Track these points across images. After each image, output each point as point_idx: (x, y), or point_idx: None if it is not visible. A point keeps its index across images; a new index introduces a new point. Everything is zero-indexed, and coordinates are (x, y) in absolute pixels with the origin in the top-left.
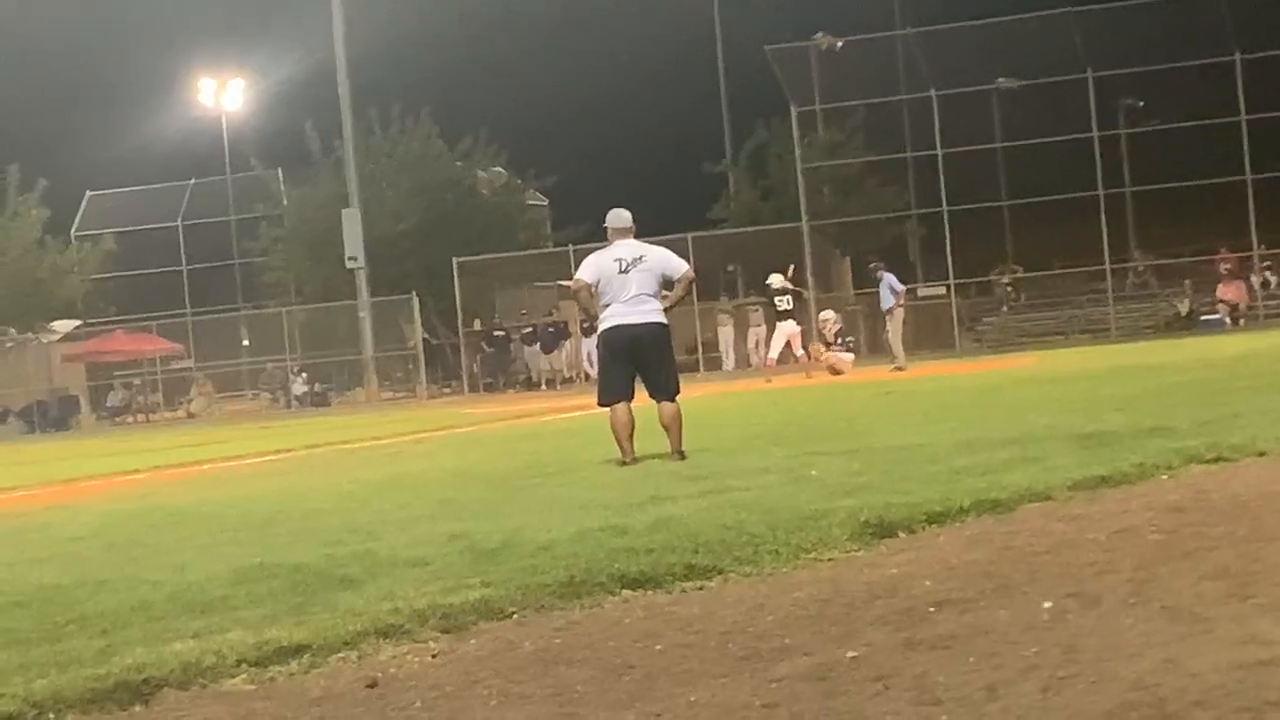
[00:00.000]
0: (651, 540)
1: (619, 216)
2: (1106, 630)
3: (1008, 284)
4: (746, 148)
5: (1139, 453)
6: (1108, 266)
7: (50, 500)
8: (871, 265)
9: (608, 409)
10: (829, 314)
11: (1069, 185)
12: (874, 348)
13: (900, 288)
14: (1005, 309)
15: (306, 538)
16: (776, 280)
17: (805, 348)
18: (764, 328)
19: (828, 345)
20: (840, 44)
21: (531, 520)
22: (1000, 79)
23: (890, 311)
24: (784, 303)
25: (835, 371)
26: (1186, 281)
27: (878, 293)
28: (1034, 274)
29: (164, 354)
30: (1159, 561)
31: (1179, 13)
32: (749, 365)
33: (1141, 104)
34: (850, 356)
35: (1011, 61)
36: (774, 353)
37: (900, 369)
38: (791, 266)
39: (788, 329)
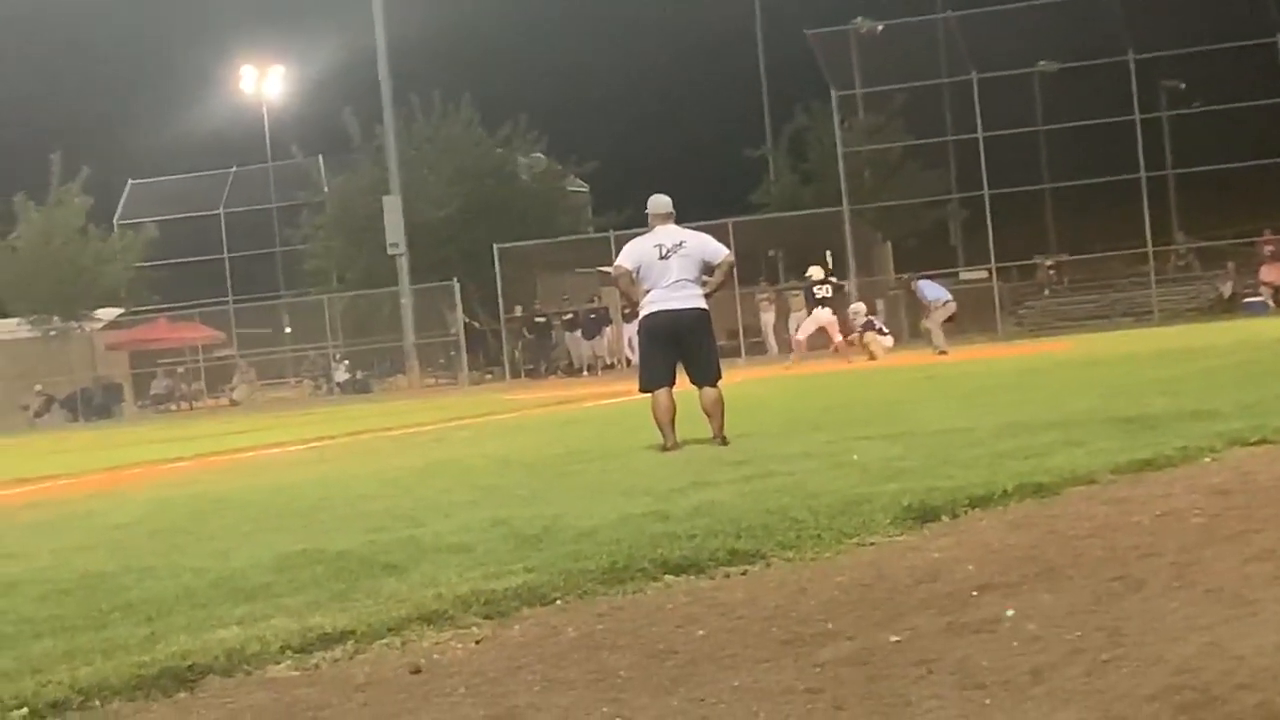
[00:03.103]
0: (694, 525)
1: (659, 202)
2: (1150, 614)
3: (1050, 267)
4: (787, 132)
5: (1182, 436)
6: (1150, 249)
7: (94, 488)
8: (906, 278)
9: (649, 395)
10: (859, 306)
11: (1111, 168)
12: (915, 333)
13: (945, 294)
14: (1047, 292)
15: (349, 524)
16: (816, 273)
17: (844, 335)
18: (804, 312)
19: (859, 337)
20: (880, 27)
21: (574, 506)
22: (1041, 61)
23: (936, 304)
24: (823, 291)
25: (871, 356)
26: (1229, 264)
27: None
28: (1076, 257)
29: (206, 342)
30: (1203, 544)
31: None
32: (791, 350)
33: (1183, 86)
34: (889, 341)
35: (1052, 44)
36: (803, 334)
37: (943, 353)
38: (829, 253)
39: (824, 316)
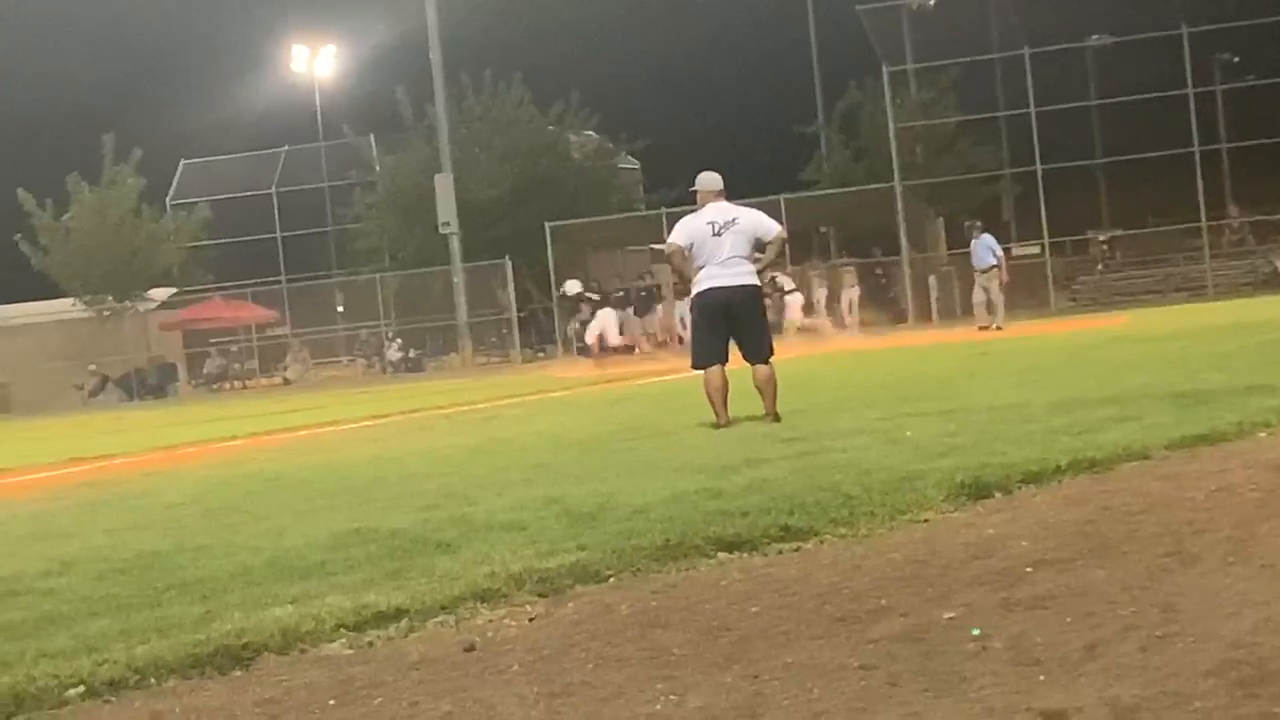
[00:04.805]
0: (747, 502)
1: (710, 179)
2: (1205, 589)
3: (1103, 242)
4: (838, 108)
5: (1237, 411)
6: (1204, 224)
7: (149, 467)
8: (968, 224)
9: (702, 372)
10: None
11: (1164, 142)
12: (967, 309)
13: (1000, 252)
14: (1100, 267)
15: (403, 502)
16: (572, 287)
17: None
18: (857, 289)
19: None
20: (932, 2)
21: (627, 484)
22: (1094, 36)
23: (990, 271)
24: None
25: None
26: None
27: (970, 251)
28: (1129, 232)
29: (260, 321)
30: (1258, 520)
31: None
32: (844, 326)
33: (1237, 59)
34: (797, 301)
35: (1105, 18)
36: (595, 334)
37: (999, 328)
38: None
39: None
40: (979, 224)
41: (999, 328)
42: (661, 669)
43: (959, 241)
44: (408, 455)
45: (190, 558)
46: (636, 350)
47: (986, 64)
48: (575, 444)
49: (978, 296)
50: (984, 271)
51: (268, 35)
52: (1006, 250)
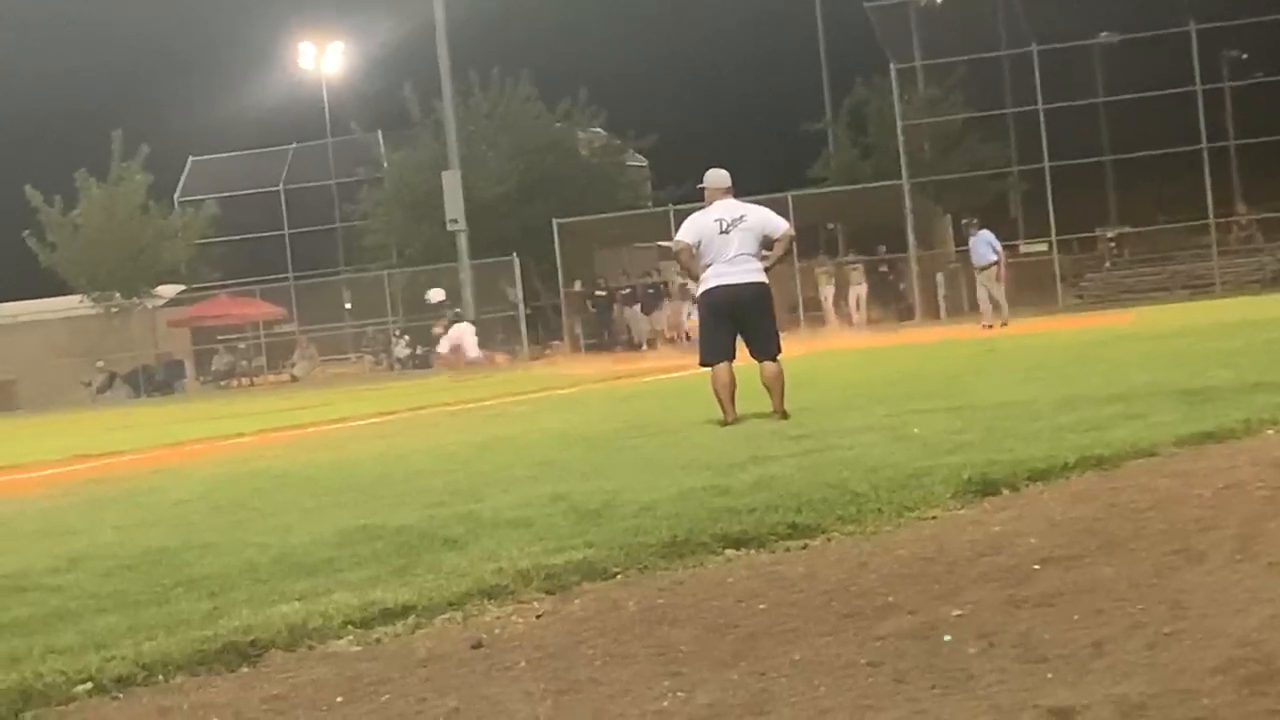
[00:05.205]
0: (754, 500)
1: (717, 176)
2: (1213, 586)
3: (1110, 239)
4: (846, 105)
5: (1245, 408)
6: (1211, 221)
7: (157, 464)
8: (964, 222)
9: (709, 369)
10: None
11: (1172, 140)
12: (974, 305)
13: (999, 248)
14: (1108, 265)
15: (410, 499)
16: (437, 294)
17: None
18: (864, 286)
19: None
20: None
21: (634, 481)
22: (1102, 33)
23: (990, 269)
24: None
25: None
26: None
27: (969, 249)
28: (1137, 229)
29: (267, 318)
30: (1265, 517)
31: None
32: (851, 324)
33: (1245, 56)
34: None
35: (1113, 15)
36: (444, 347)
37: (1005, 324)
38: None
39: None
40: (976, 221)
41: (1004, 324)
42: (668, 666)
43: (966, 238)
44: (414, 452)
45: (198, 554)
46: (491, 363)
47: (994, 61)
48: (582, 441)
49: (982, 296)
50: (984, 269)
51: (275, 32)
52: (1012, 247)
